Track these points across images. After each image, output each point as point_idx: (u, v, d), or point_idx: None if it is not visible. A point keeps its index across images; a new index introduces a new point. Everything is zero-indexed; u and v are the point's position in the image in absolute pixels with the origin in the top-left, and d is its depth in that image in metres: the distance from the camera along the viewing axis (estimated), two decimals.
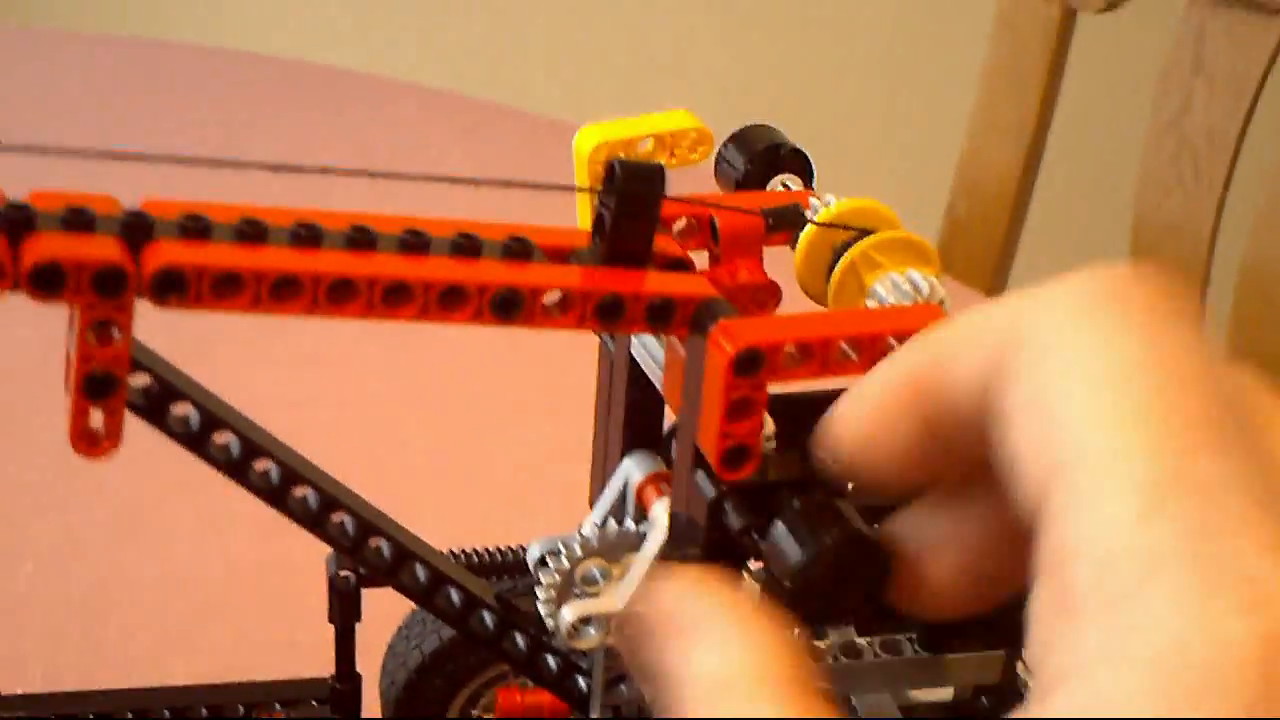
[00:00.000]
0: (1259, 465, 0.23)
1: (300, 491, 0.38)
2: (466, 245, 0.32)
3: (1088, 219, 1.71)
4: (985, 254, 1.14)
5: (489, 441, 0.74)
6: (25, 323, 0.78)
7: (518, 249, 0.33)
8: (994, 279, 1.14)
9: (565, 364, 0.77)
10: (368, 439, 0.73)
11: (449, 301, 0.32)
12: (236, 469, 0.37)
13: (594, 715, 0.41)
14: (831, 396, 0.33)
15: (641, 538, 0.36)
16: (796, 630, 0.28)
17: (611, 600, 0.36)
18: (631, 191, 0.32)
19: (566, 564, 0.36)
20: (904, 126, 1.79)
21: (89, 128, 1.04)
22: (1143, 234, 1.09)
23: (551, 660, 0.41)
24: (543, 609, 0.36)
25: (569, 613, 0.36)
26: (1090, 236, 1.70)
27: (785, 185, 0.39)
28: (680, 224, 0.37)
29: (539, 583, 0.36)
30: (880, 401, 0.28)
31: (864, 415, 0.28)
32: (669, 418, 0.38)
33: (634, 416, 0.38)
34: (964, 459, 0.27)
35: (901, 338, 0.31)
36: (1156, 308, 0.24)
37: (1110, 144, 1.64)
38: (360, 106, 1.14)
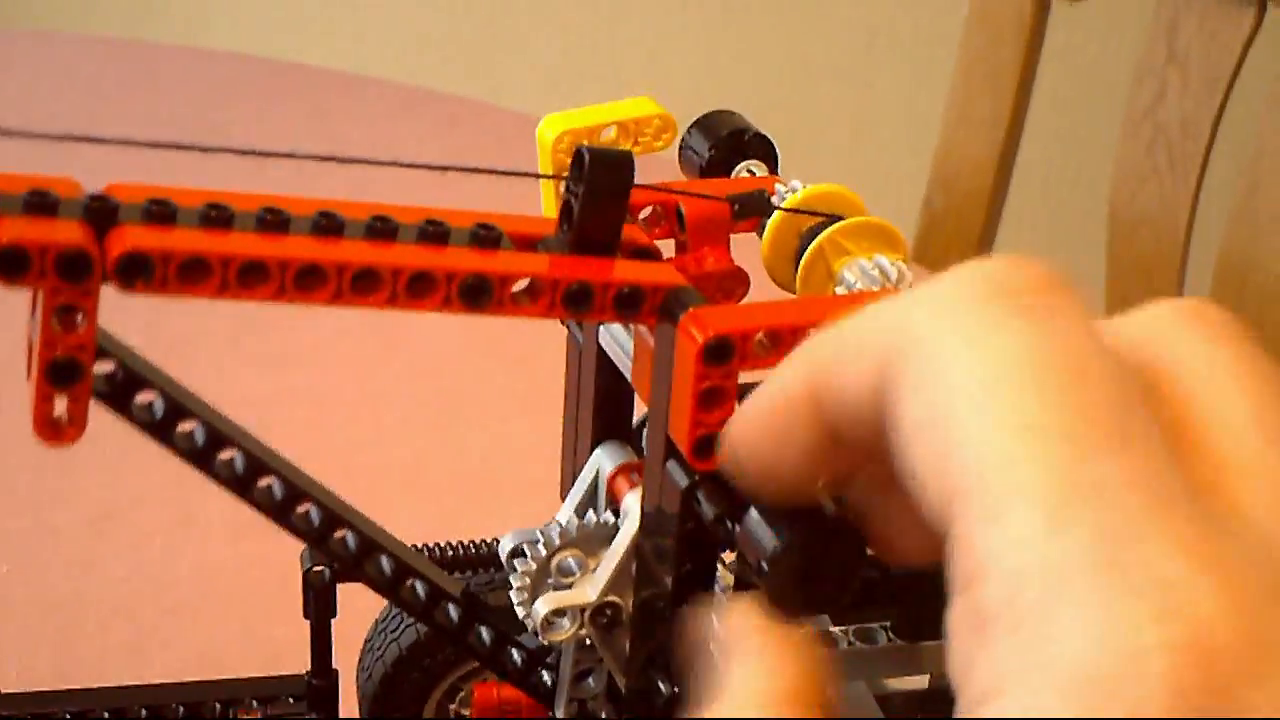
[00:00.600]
0: (1159, 458, 0.22)
1: (265, 482, 0.37)
2: (434, 232, 0.32)
3: (1064, 210, 1.71)
4: (962, 246, 1.14)
5: (458, 436, 0.74)
6: None
7: (486, 236, 0.33)
8: None
9: (534, 357, 0.77)
10: (337, 435, 0.73)
11: (418, 288, 0.31)
12: (201, 458, 0.36)
13: (560, 708, 0.40)
14: None
15: (615, 529, 0.36)
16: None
17: (584, 592, 0.36)
18: (600, 179, 0.32)
19: (542, 552, 0.36)
20: (879, 119, 1.79)
21: (67, 127, 1.03)
22: (1119, 224, 1.10)
23: (516, 654, 0.41)
24: (516, 601, 0.36)
25: (543, 605, 0.36)
26: (1066, 227, 1.71)
27: (750, 171, 0.39)
28: (646, 212, 0.37)
29: (513, 574, 0.36)
30: (774, 412, 0.27)
31: (761, 426, 0.28)
32: (638, 408, 0.38)
33: (603, 407, 0.38)
34: (868, 454, 0.27)
35: None
36: (1041, 299, 0.24)
37: (1085, 134, 1.64)
38: (335, 103, 1.14)
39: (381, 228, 0.32)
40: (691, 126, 0.40)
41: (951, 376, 0.23)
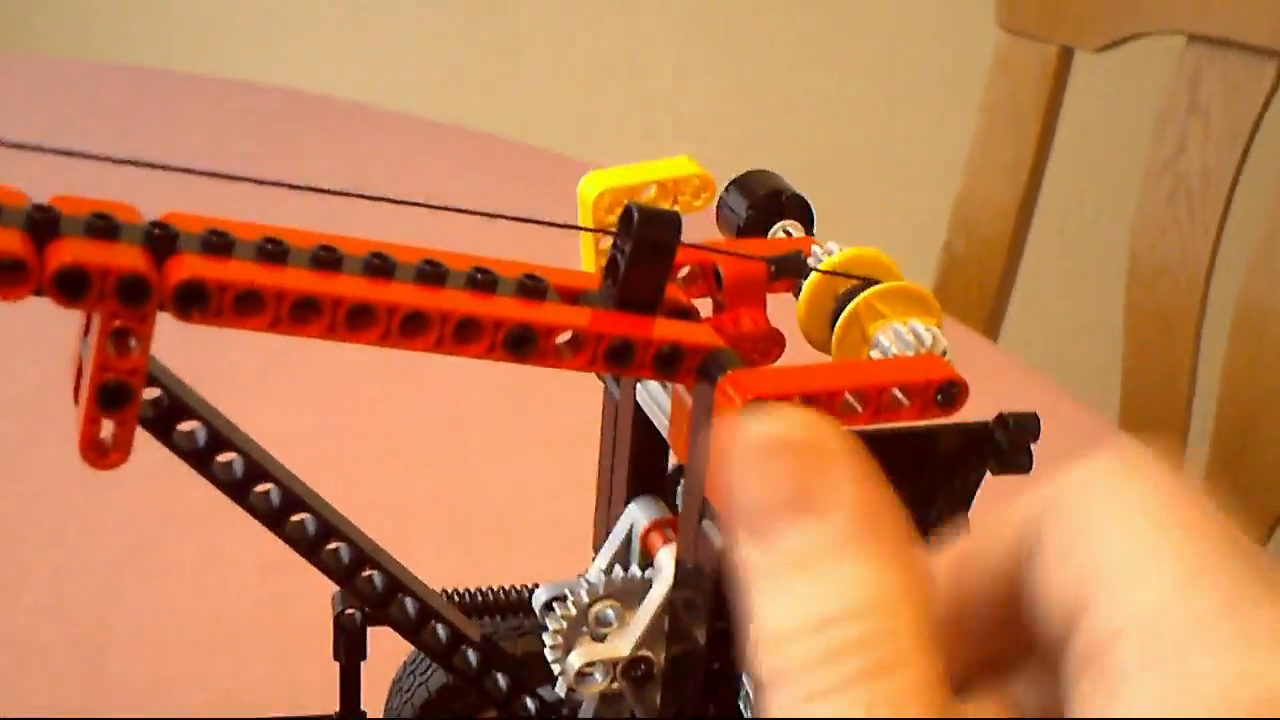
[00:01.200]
0: (1258, 560, 0.25)
1: (299, 517, 0.38)
2: (483, 280, 0.33)
3: (1084, 257, 1.72)
4: (982, 291, 1.15)
5: (490, 481, 0.74)
6: (27, 357, 0.78)
7: (532, 287, 0.33)
8: (991, 316, 1.15)
9: (559, 398, 0.77)
10: (369, 477, 0.74)
11: (464, 334, 0.32)
12: (238, 489, 0.37)
13: None
14: None
15: (648, 584, 0.36)
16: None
17: (618, 646, 0.36)
18: (648, 237, 0.33)
19: (583, 601, 0.36)
20: (901, 164, 1.79)
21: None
22: (1138, 273, 1.10)
23: (530, 703, 0.42)
24: (550, 653, 0.36)
25: (577, 658, 0.36)
26: (1086, 274, 1.71)
27: (787, 231, 0.40)
28: (685, 271, 0.38)
29: (546, 627, 0.36)
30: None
31: None
32: (672, 459, 0.39)
33: (638, 461, 0.38)
34: (994, 638, 0.28)
35: (905, 389, 0.32)
36: (1169, 470, 0.26)
37: (1106, 183, 1.65)
38: (359, 137, 1.15)
39: (432, 272, 0.32)
40: (730, 185, 0.40)
41: (1089, 503, 0.26)
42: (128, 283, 0.29)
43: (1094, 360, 1.48)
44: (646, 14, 1.84)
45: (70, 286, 0.29)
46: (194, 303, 0.30)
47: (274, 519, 0.38)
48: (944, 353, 0.34)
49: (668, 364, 0.33)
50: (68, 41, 2.10)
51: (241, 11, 2.04)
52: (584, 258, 0.39)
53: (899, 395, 0.32)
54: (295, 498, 0.37)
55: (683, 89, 1.85)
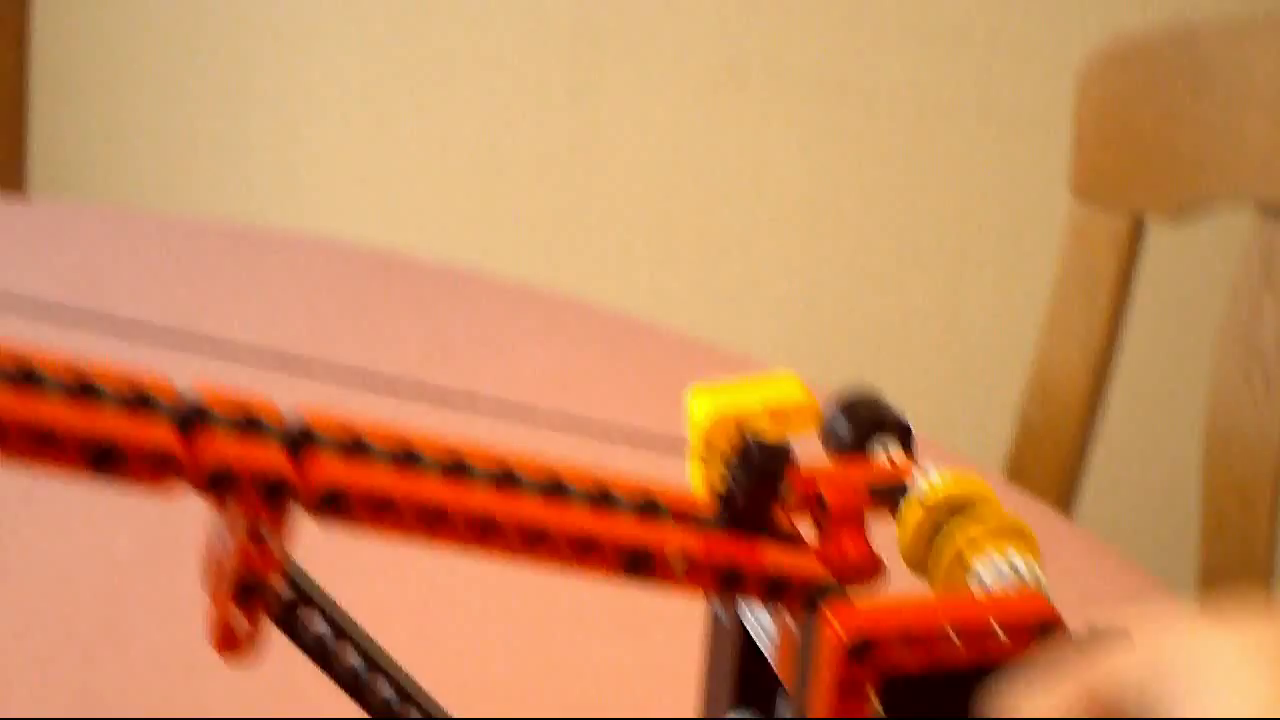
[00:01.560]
0: None
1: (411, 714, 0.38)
2: (602, 499, 0.34)
3: (1160, 428, 1.71)
4: (1057, 462, 1.15)
5: (585, 685, 0.74)
6: (124, 525, 0.80)
7: (648, 508, 0.35)
8: (1066, 488, 1.15)
9: (668, 607, 0.77)
10: (456, 668, 0.73)
11: (584, 553, 0.34)
12: (357, 688, 0.37)
13: None
14: (936, 680, 0.34)
15: None
16: None
17: None
18: (762, 468, 0.35)
19: None
20: (975, 332, 1.80)
21: (168, 312, 1.04)
22: (1214, 444, 1.10)
23: None
24: None
25: None
26: (1162, 446, 1.71)
27: (888, 452, 0.41)
28: (789, 495, 0.39)
29: None
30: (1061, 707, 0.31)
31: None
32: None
33: (740, 677, 0.40)
34: None
35: (1007, 626, 0.33)
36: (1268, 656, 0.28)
37: (1181, 354, 1.65)
38: (436, 298, 1.16)
39: (554, 488, 0.34)
40: (835, 407, 0.42)
41: (1222, 696, 0.28)
42: (273, 484, 0.31)
43: (1171, 531, 1.47)
44: (711, 183, 1.87)
45: (218, 484, 0.31)
46: (333, 507, 0.32)
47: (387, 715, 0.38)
48: (1041, 587, 0.36)
49: (775, 591, 0.34)
50: (143, 192, 2.15)
51: (324, 169, 2.09)
52: (692, 476, 0.41)
53: (999, 632, 0.33)
54: (406, 693, 0.38)
55: (755, 252, 1.87)
